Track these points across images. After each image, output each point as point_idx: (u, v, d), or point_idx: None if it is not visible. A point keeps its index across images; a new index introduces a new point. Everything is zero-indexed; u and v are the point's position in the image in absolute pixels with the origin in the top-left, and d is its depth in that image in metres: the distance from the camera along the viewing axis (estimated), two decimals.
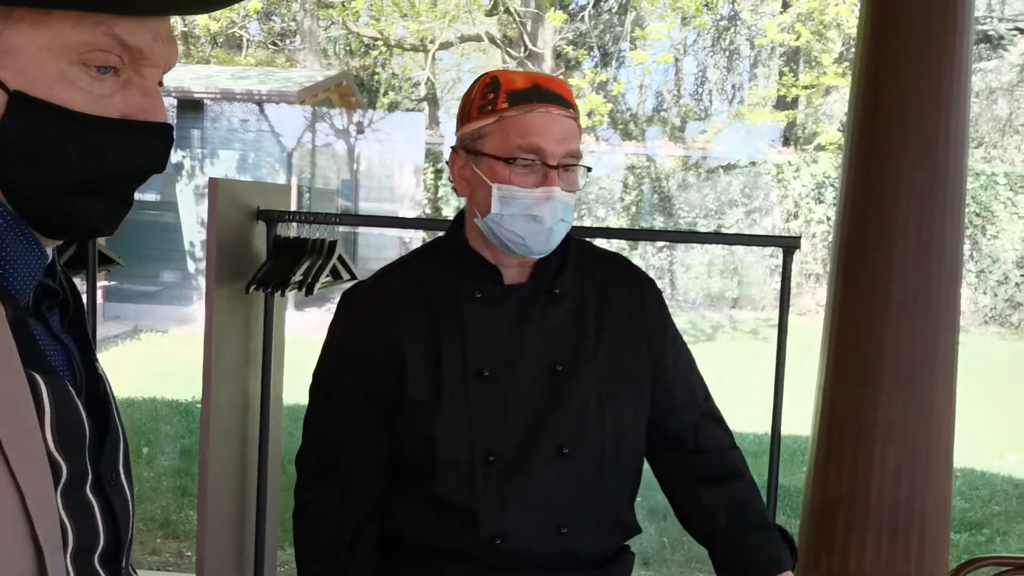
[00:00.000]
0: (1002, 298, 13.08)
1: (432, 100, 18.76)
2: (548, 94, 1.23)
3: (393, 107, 17.04)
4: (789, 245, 2.55)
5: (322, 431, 1.34)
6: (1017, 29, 17.00)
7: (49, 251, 0.73)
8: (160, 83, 0.73)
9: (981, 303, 13.01)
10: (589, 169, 1.29)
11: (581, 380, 1.25)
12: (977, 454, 6.08)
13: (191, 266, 11.46)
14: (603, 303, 1.31)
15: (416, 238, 13.48)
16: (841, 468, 2.45)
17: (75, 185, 0.68)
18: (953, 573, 1.84)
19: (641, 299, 1.35)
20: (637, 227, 12.67)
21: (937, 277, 2.46)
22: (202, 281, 11.18)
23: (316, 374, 1.35)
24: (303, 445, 1.37)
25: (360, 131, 14.54)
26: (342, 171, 14.21)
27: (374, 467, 1.31)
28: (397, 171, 14.44)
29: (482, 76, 1.29)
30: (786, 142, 16.22)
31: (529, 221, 1.21)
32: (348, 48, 18.96)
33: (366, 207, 14.25)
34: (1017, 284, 13.08)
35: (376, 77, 17.31)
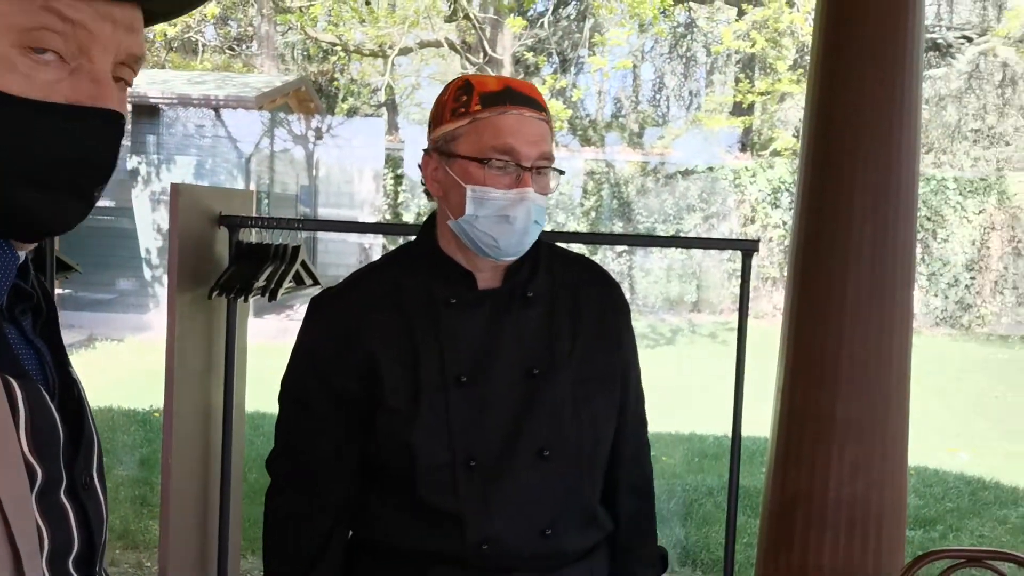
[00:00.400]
0: (952, 300, 13.38)
1: (391, 106, 18.71)
2: (521, 97, 1.23)
3: (352, 112, 16.96)
4: (748, 248, 2.60)
5: (292, 437, 1.33)
6: (964, 37, 17.41)
7: (22, 253, 0.72)
8: (125, 81, 0.71)
9: (932, 305, 13.30)
10: (562, 172, 1.29)
11: (557, 382, 1.26)
12: (930, 452, 6.22)
13: (147, 273, 11.30)
14: (574, 305, 1.32)
15: (377, 244, 13.43)
16: (800, 466, 2.50)
17: (13, 176, 0.65)
18: (908, 567, 1.89)
19: (611, 301, 1.37)
20: (597, 232, 12.75)
21: (891, 280, 2.52)
22: (159, 289, 11.03)
23: (285, 380, 1.34)
24: (275, 450, 1.36)
25: (319, 137, 14.45)
26: (300, 177, 14.11)
27: (344, 473, 1.30)
28: (356, 177, 14.37)
29: (455, 80, 1.29)
30: (743, 148, 16.43)
31: (502, 222, 1.22)
32: (306, 53, 18.85)
33: (325, 213, 14.16)
34: (967, 286, 13.38)
35: (335, 83, 17.22)
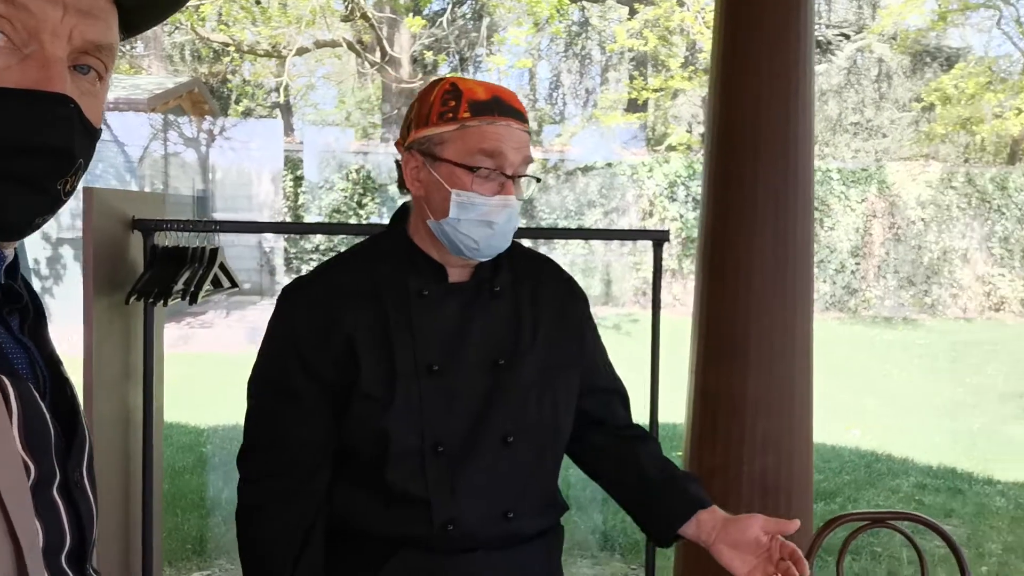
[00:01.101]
0: (840, 285, 14.03)
1: (286, 107, 18.40)
2: (508, 108, 1.29)
3: (247, 114, 16.61)
4: (659, 238, 2.70)
5: (274, 427, 1.33)
6: (842, 35, 18.25)
7: (9, 253, 0.72)
8: (96, 72, 0.70)
9: (821, 291, 13.91)
10: (538, 180, 1.35)
11: (521, 372, 1.32)
12: (827, 430, 6.53)
13: (36, 285, 10.83)
14: (536, 299, 1.38)
15: (278, 248, 13.20)
16: (715, 443, 2.63)
17: None
18: (820, 531, 2.02)
19: (569, 294, 1.45)
20: None
21: (792, 267, 2.68)
22: (50, 300, 10.58)
23: (263, 371, 1.34)
24: (246, 443, 1.36)
25: (212, 139, 14.11)
26: (196, 181, 13.75)
27: (326, 459, 1.32)
28: (255, 179, 14.09)
29: (439, 82, 1.32)
30: (649, 142, 16.82)
31: (485, 227, 1.27)
32: (196, 54, 18.36)
33: (222, 218, 13.83)
34: (852, 272, 14.06)
35: (228, 84, 16.83)
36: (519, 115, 1.30)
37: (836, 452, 6.23)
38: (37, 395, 0.70)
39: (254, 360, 1.36)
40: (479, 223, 1.27)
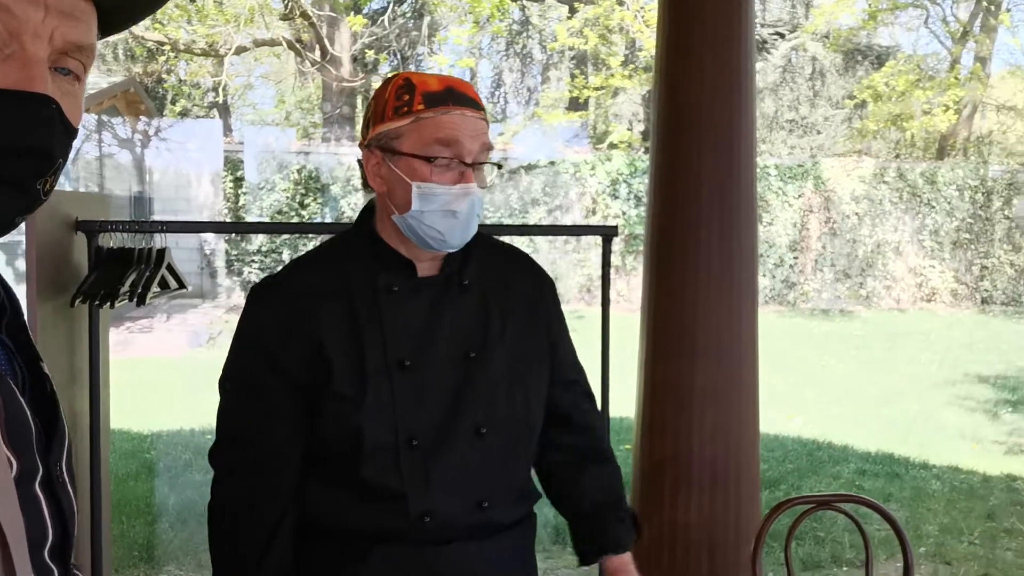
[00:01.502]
0: (779, 279, 14.32)
1: (223, 107, 18.12)
2: (462, 97, 1.29)
3: (184, 114, 16.32)
4: (607, 233, 2.75)
5: (241, 425, 1.33)
6: (778, 34, 18.61)
7: None
8: (75, 73, 0.70)
9: (761, 285, 14.18)
10: (499, 166, 1.36)
11: (492, 364, 1.33)
12: (769, 420, 6.67)
13: None
14: (506, 292, 1.40)
15: (219, 249, 13.00)
16: (665, 433, 2.68)
17: None
18: (770, 514, 2.08)
19: (540, 288, 1.46)
20: None
21: (737, 261, 2.74)
22: None
23: (230, 368, 1.34)
24: (218, 441, 1.36)
25: (147, 140, 13.82)
26: (132, 183, 13.46)
27: (295, 458, 1.33)
28: (194, 181, 13.85)
29: (393, 78, 1.33)
30: (593, 141, 16.94)
31: (448, 217, 1.28)
32: (130, 53, 17.97)
33: (162, 219, 13.56)
34: (791, 266, 14.37)
35: (164, 84, 16.51)
36: (474, 103, 1.31)
37: (779, 441, 6.37)
38: (17, 391, 0.71)
39: (223, 360, 1.36)
40: (442, 213, 1.28)
